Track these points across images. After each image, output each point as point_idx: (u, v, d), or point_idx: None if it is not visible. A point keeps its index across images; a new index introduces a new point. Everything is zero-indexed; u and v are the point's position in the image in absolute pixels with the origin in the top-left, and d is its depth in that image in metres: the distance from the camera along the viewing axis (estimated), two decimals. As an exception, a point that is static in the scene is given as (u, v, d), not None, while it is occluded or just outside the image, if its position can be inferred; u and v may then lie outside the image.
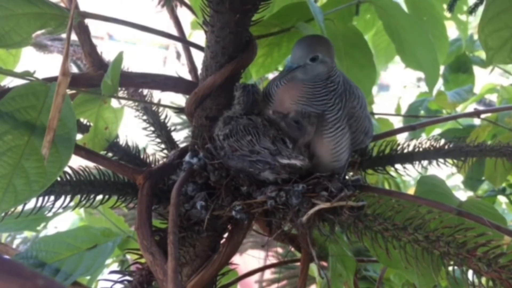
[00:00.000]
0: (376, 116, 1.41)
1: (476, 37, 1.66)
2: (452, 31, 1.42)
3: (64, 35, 0.68)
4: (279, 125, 0.62)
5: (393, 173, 0.81)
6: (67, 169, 0.66)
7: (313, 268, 0.94)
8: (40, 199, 0.64)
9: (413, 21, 0.92)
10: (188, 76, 0.84)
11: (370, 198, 0.63)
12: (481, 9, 0.82)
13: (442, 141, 0.78)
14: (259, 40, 0.72)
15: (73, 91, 0.72)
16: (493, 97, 1.95)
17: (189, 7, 0.94)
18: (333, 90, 0.63)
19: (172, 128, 0.89)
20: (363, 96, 0.68)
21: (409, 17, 0.92)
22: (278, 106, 0.64)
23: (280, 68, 0.98)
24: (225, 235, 0.71)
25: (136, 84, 0.78)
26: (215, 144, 0.64)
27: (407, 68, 1.02)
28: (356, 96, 0.65)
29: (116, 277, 0.61)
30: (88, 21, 0.71)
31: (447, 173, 1.93)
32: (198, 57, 0.73)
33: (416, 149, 0.77)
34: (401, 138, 1.27)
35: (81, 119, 0.79)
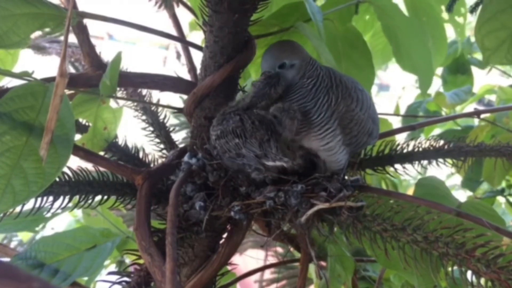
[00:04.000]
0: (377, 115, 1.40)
1: (474, 38, 1.66)
2: (450, 33, 1.42)
3: (62, 37, 0.68)
4: (271, 121, 0.61)
5: (392, 173, 0.81)
6: (65, 169, 0.66)
7: (311, 269, 0.94)
8: (39, 199, 0.64)
9: (410, 23, 0.92)
10: (187, 76, 0.84)
11: (369, 198, 0.62)
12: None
13: (442, 141, 0.78)
14: (258, 40, 0.72)
15: (72, 91, 0.72)
16: (493, 97, 1.95)
17: (188, 7, 0.94)
18: (313, 87, 0.63)
19: (171, 128, 0.89)
20: (366, 98, 0.66)
21: (407, 19, 0.92)
22: None
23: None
24: (224, 235, 0.71)
25: (135, 84, 0.77)
26: (210, 142, 0.64)
27: (406, 69, 1.02)
28: (354, 98, 0.64)
29: (114, 278, 0.61)
30: (88, 21, 0.70)
31: (447, 173, 1.93)
32: (198, 57, 0.73)
33: (416, 149, 0.77)
34: (400, 138, 1.27)
35: (80, 119, 0.79)
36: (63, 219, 1.54)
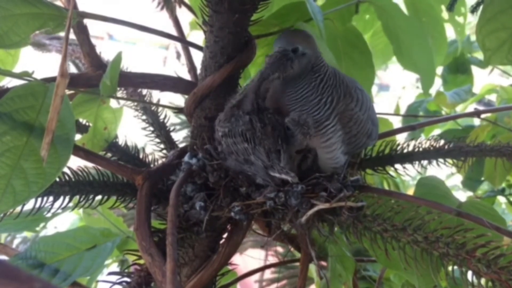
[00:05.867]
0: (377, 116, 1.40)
1: (474, 37, 1.66)
2: (451, 32, 1.42)
3: (63, 34, 0.68)
4: (281, 125, 0.61)
5: (392, 173, 0.81)
6: (66, 169, 0.66)
7: (312, 269, 0.94)
8: (39, 199, 0.64)
9: (411, 22, 0.92)
10: (187, 76, 0.84)
11: (369, 198, 0.62)
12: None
13: (442, 141, 0.78)
14: (259, 40, 0.72)
15: (72, 91, 0.72)
16: (492, 97, 1.95)
17: (189, 7, 0.94)
18: (320, 82, 0.62)
19: (171, 128, 0.89)
20: (366, 99, 0.66)
21: (407, 19, 0.92)
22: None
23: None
24: (225, 235, 0.71)
25: (135, 84, 0.77)
26: (214, 136, 0.63)
27: (406, 69, 1.02)
28: (354, 98, 0.64)
29: (114, 278, 0.61)
30: (87, 21, 0.70)
31: (447, 173, 1.93)
32: (198, 57, 0.73)
33: (416, 149, 0.77)
34: (401, 138, 1.27)
35: (80, 119, 0.79)
36: (67, 217, 1.54)
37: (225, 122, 0.61)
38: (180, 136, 1.35)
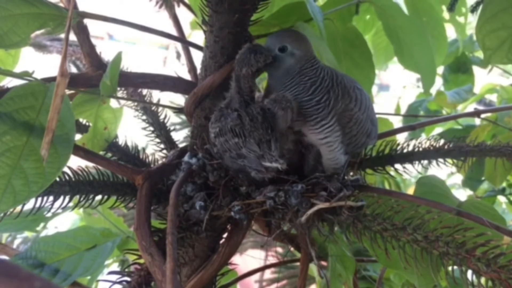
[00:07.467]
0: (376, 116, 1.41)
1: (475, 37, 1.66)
2: (451, 32, 1.43)
3: (63, 35, 0.68)
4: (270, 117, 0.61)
5: (392, 173, 0.81)
6: (66, 169, 0.66)
7: (313, 268, 0.94)
8: (39, 199, 0.64)
9: (412, 22, 0.92)
10: (187, 76, 0.84)
11: (369, 198, 0.62)
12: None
13: (442, 141, 0.78)
14: (258, 40, 0.72)
15: (72, 91, 0.72)
16: (493, 97, 1.95)
17: (189, 7, 0.94)
18: (312, 86, 0.62)
19: (172, 128, 0.89)
20: (365, 99, 0.66)
21: (408, 18, 0.92)
22: None
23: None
24: (225, 235, 0.71)
25: (135, 84, 0.77)
26: (209, 138, 0.64)
27: (407, 68, 1.02)
28: (353, 98, 0.64)
29: (115, 277, 0.61)
30: (88, 21, 0.71)
31: (447, 172, 1.93)
32: (198, 57, 0.73)
33: (416, 149, 0.77)
34: (401, 138, 1.27)
35: (80, 119, 0.79)
36: (68, 217, 1.55)
37: (216, 123, 0.61)
38: (180, 136, 1.35)
